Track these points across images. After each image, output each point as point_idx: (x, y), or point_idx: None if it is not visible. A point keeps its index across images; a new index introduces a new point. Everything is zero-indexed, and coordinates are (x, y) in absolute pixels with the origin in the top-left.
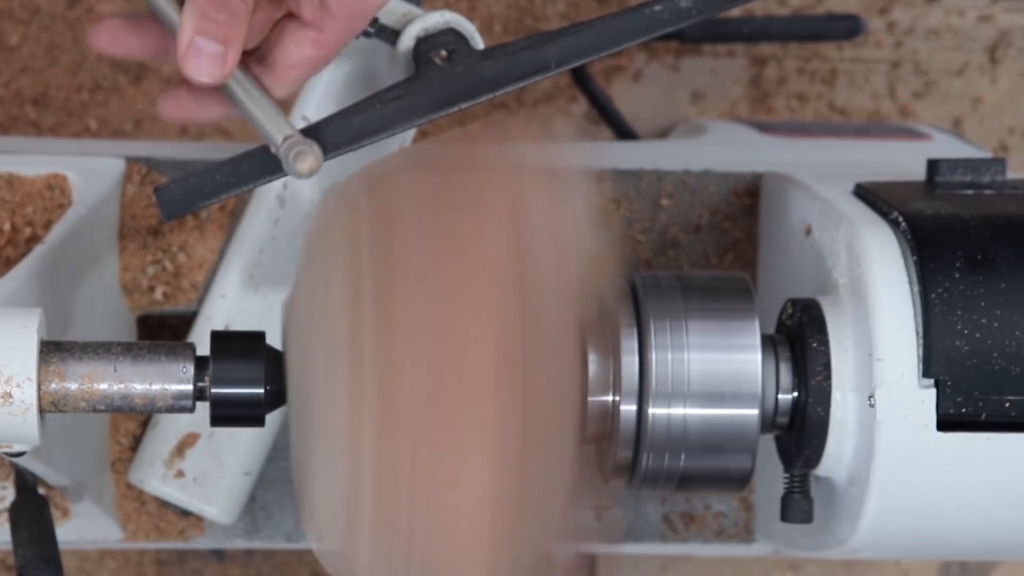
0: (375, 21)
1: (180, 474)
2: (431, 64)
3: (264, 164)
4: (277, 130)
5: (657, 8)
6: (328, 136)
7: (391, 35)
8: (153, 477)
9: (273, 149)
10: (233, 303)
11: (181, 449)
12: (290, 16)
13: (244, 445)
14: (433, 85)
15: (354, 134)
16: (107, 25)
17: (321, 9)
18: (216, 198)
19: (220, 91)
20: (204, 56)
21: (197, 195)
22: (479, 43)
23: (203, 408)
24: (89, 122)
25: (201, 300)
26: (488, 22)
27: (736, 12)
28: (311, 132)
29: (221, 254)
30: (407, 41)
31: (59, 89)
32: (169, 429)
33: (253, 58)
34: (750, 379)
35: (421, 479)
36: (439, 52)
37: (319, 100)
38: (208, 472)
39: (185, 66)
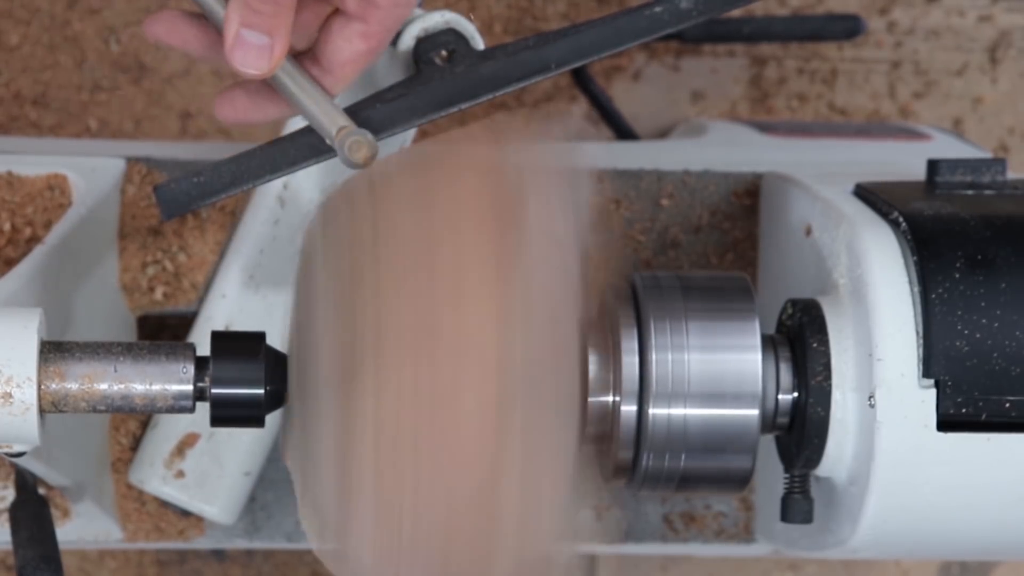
0: None
1: (180, 474)
2: (431, 64)
3: (264, 164)
4: (331, 122)
5: (657, 9)
6: None
7: None
8: (153, 477)
9: (328, 141)
10: (233, 303)
11: (181, 449)
12: (336, 13)
13: (244, 445)
14: (433, 85)
15: None
16: (165, 15)
17: (364, 1)
18: (216, 197)
19: (273, 88)
20: (251, 48)
21: (196, 194)
22: (479, 43)
23: (203, 408)
24: (89, 122)
25: (201, 300)
26: (488, 22)
27: (736, 12)
28: (310, 132)
29: (221, 254)
30: (407, 41)
31: (59, 89)
32: (169, 429)
33: (307, 59)
34: (750, 379)
35: (422, 479)
36: (439, 52)
37: None
38: (208, 472)
39: (232, 59)
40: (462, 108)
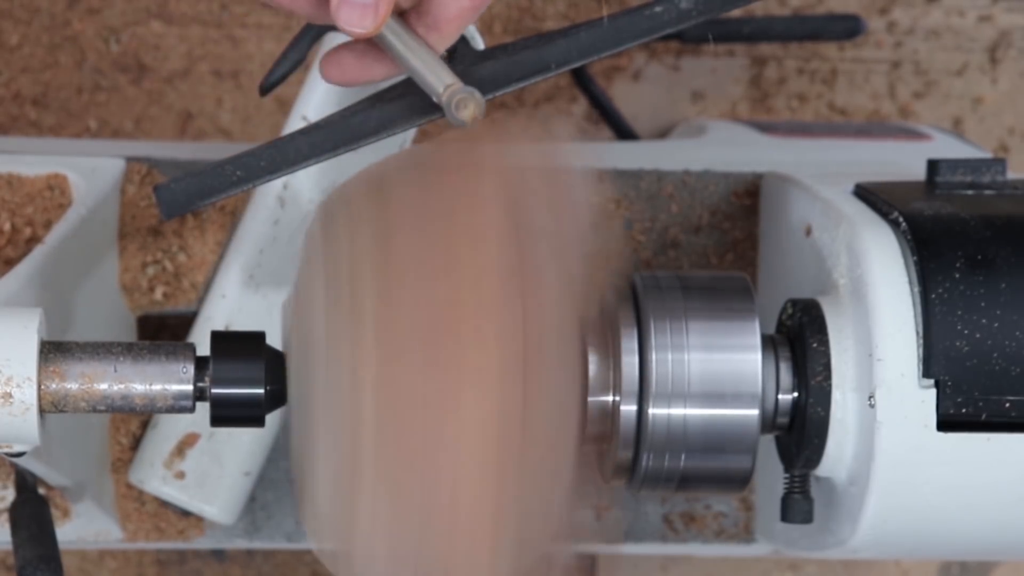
0: None
1: (180, 475)
2: None
3: (264, 164)
4: (438, 79)
5: (658, 9)
6: (327, 136)
7: None
8: (153, 477)
9: (435, 99)
10: (233, 303)
11: (181, 449)
12: None
13: (244, 445)
14: None
15: (354, 134)
16: None
17: None
18: (216, 197)
19: (379, 47)
20: (356, 7)
21: (197, 194)
22: (479, 43)
23: (203, 408)
24: (89, 122)
25: (201, 300)
26: (488, 22)
27: (736, 12)
28: (310, 132)
29: (221, 254)
30: None
31: (59, 89)
32: (169, 429)
33: (413, 17)
34: (750, 379)
35: (421, 478)
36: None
37: (319, 100)
38: (208, 472)
39: (338, 18)
40: None
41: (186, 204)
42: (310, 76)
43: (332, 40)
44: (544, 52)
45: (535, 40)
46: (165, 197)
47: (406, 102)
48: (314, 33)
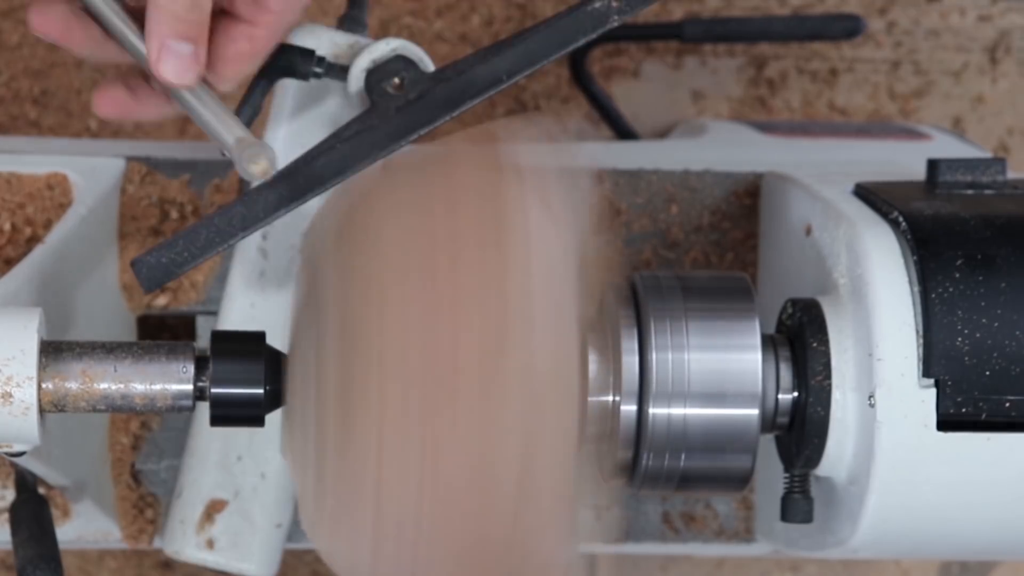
0: (322, 60)
1: (211, 543)
2: (385, 94)
3: (236, 222)
4: (228, 132)
5: (597, 5)
6: (293, 186)
7: (340, 72)
8: (188, 546)
9: (224, 151)
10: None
11: (210, 515)
12: (223, 13)
13: (272, 498)
14: (389, 116)
15: (318, 179)
16: (53, 12)
17: (254, 5)
18: (195, 262)
19: (164, 91)
20: (178, 58)
21: (174, 263)
22: (429, 65)
23: (223, 474)
24: (89, 122)
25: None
26: (488, 21)
27: (736, 12)
28: (275, 184)
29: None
30: (357, 75)
31: (59, 89)
32: (193, 495)
33: None
34: (750, 379)
35: (421, 479)
36: (391, 81)
37: (282, 149)
38: (240, 531)
39: (161, 70)
40: (421, 134)
41: (165, 276)
42: (269, 126)
43: (284, 88)
44: (494, 65)
45: (483, 54)
46: (143, 270)
47: (365, 137)
48: (265, 84)
